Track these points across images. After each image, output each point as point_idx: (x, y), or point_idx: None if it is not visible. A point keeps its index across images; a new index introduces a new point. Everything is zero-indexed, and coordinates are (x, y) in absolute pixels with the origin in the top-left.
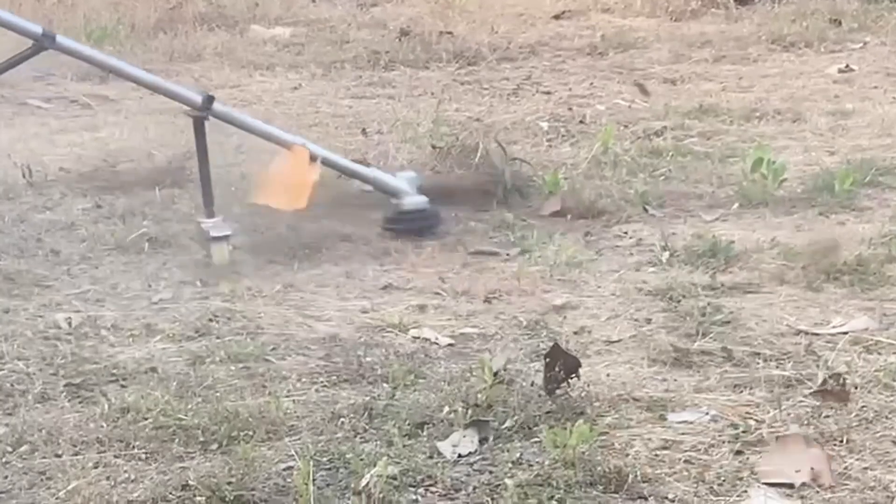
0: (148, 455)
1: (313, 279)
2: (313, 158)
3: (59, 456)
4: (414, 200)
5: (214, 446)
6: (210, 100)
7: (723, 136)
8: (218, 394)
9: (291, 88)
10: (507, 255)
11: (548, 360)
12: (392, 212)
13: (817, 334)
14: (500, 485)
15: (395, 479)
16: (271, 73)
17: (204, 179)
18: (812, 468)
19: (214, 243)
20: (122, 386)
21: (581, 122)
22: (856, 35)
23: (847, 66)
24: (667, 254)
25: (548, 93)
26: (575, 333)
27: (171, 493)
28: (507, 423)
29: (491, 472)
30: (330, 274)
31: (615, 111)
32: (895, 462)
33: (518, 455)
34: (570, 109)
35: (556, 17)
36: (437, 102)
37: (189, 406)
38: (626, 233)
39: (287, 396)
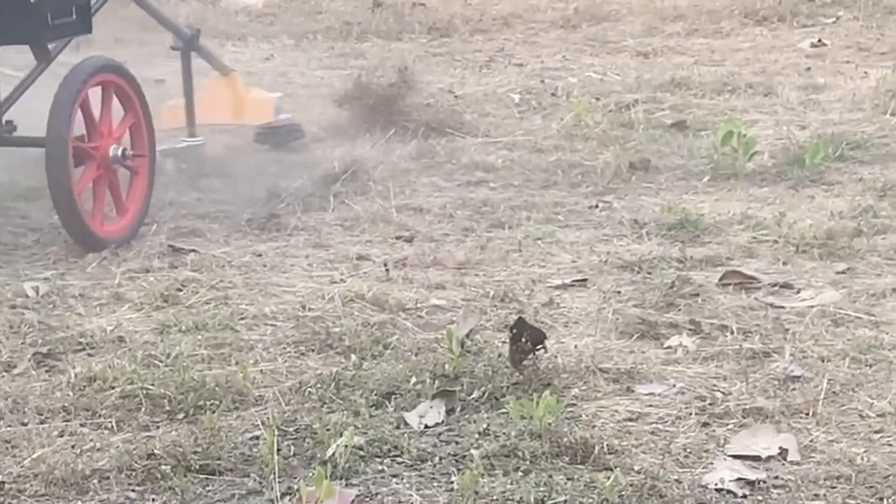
0: (114, 424)
1: (282, 249)
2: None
3: (24, 424)
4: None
5: (181, 415)
6: (197, 34)
7: (694, 110)
8: (185, 363)
9: (263, 59)
10: (477, 225)
11: (514, 332)
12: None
13: (784, 307)
14: (466, 455)
15: (361, 449)
16: (243, 43)
17: (188, 103)
18: (780, 447)
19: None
20: (89, 355)
21: (553, 94)
22: (828, 10)
23: (819, 40)
24: (637, 226)
25: (520, 65)
26: (544, 305)
27: (136, 462)
28: (475, 394)
29: (457, 443)
30: (299, 244)
31: (587, 84)
32: (860, 435)
33: (485, 426)
34: (542, 82)
35: None
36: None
37: (156, 375)
38: (596, 205)
39: (254, 366)
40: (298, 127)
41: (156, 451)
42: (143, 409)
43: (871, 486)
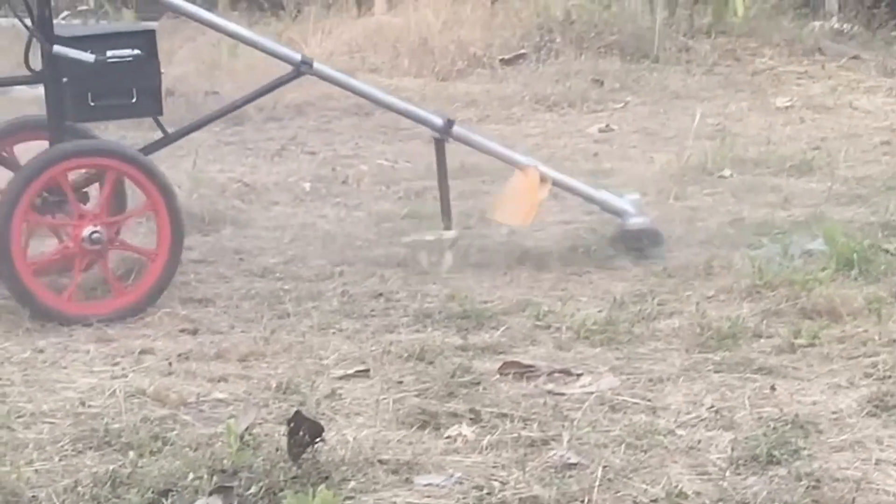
0: None
1: (64, 344)
2: (544, 179)
3: None
4: (637, 221)
5: None
6: (450, 123)
7: (482, 197)
8: None
9: None
10: (262, 317)
11: (291, 425)
12: (616, 231)
13: (564, 394)
14: None
15: None
16: None
17: (444, 196)
18: None
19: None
20: None
21: (344, 182)
22: (617, 95)
23: (608, 125)
24: (421, 316)
25: (312, 153)
26: (326, 397)
27: None
28: (252, 489)
29: None
30: (81, 338)
31: (378, 172)
32: None
33: None
34: (333, 170)
35: None
36: (193, 162)
37: None
38: (380, 294)
39: (28, 465)
40: (657, 232)
41: None
42: None
43: None
